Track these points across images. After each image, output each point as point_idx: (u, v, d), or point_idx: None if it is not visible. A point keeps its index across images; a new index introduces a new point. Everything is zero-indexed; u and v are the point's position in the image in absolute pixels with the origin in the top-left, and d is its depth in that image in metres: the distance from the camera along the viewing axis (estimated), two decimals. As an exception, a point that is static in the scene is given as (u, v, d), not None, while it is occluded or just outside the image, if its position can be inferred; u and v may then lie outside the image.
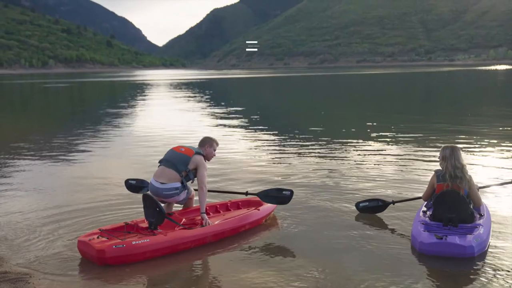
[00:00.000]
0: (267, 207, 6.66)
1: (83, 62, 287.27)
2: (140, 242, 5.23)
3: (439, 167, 5.92)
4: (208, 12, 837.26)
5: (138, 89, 52.75)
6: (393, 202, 6.86)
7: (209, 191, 6.61)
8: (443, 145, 6.05)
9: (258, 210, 6.49)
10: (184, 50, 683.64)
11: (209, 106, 28.40)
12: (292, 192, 6.67)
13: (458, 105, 26.73)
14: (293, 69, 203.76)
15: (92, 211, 7.10)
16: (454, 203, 5.66)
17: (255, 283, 4.82)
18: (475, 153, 11.11)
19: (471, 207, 5.89)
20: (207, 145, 6.34)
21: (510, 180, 6.63)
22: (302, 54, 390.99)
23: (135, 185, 7.07)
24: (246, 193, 6.94)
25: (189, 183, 6.26)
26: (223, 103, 29.56)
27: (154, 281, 4.96)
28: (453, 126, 16.20)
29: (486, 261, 5.23)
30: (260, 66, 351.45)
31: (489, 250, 5.49)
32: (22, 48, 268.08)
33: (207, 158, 6.35)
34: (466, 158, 8.67)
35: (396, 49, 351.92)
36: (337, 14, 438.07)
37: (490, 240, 5.67)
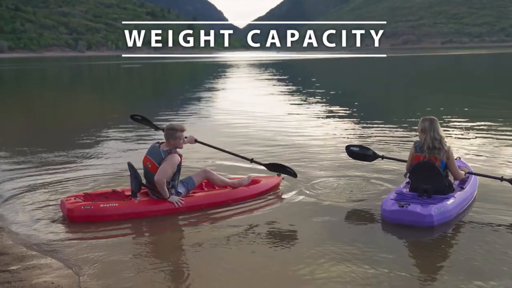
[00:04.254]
0: (256, 186, 6.86)
1: (166, 44, 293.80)
2: (108, 205, 5.88)
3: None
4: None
5: (219, 69, 54.29)
6: (383, 157, 7.09)
7: (216, 148, 7.21)
8: (421, 117, 6.16)
9: (247, 188, 6.75)
10: (264, 31, 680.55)
11: (285, 85, 29.10)
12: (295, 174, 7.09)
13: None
14: (375, 50, 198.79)
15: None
16: (429, 174, 5.85)
17: (209, 254, 5.09)
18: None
19: (452, 179, 6.08)
20: (171, 139, 6.26)
21: (500, 177, 6.50)
22: (384, 35, 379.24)
23: (140, 120, 7.67)
24: (251, 160, 7.22)
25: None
26: (299, 83, 30.21)
27: (116, 241, 5.42)
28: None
29: (446, 232, 5.47)
30: (340, 47, 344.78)
31: (458, 222, 5.71)
32: (109, 31, 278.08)
33: (178, 148, 6.35)
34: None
35: (484, 29, 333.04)
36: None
37: (462, 214, 5.89)
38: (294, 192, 6.97)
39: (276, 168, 7.19)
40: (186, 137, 6.62)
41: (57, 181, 7.78)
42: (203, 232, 5.73)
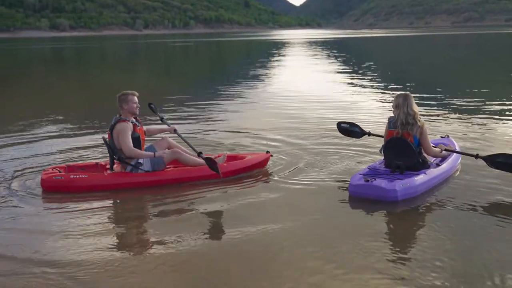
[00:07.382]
0: (236, 163, 6.79)
1: (222, 23, 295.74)
2: (77, 176, 6.24)
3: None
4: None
5: (273, 48, 54.02)
6: (369, 134, 7.18)
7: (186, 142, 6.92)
8: (396, 94, 6.15)
9: (225, 164, 6.66)
10: (321, 9, 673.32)
11: (340, 64, 29.04)
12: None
13: None
14: (435, 28, 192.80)
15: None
16: (401, 150, 5.90)
17: (162, 228, 5.15)
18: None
19: (428, 156, 6.14)
20: (123, 104, 6.38)
21: (475, 154, 6.34)
22: (445, 12, 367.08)
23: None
24: (199, 154, 6.70)
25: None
26: (353, 62, 29.96)
27: (82, 213, 5.53)
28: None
29: (411, 207, 5.47)
30: (399, 25, 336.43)
31: (425, 198, 5.69)
32: (166, 10, 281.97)
33: (132, 113, 6.40)
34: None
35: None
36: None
37: (436, 190, 5.90)
38: (277, 168, 7.06)
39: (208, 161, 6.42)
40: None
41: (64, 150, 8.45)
42: (168, 210, 5.69)
